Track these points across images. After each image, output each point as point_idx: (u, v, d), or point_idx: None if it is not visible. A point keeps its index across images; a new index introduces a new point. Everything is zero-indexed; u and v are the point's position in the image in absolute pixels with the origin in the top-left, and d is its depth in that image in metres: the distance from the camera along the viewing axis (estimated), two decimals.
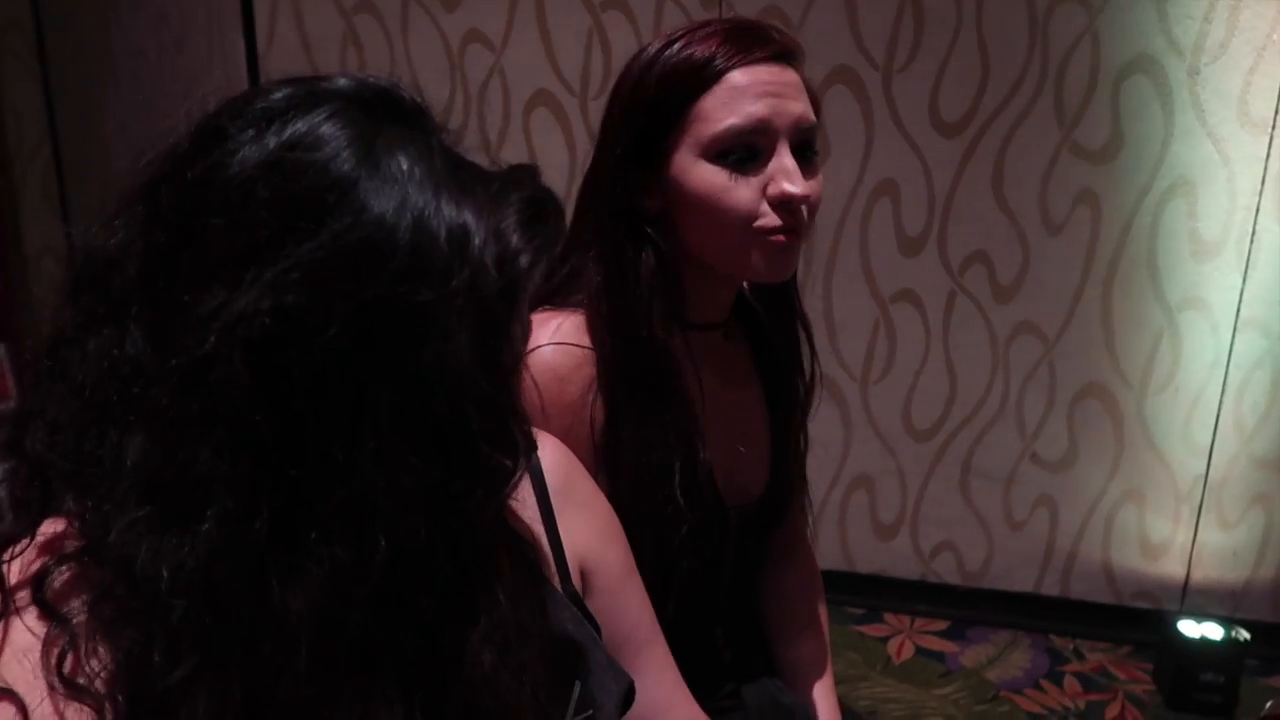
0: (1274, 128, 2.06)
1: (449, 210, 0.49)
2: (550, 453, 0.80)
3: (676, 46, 0.95)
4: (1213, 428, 2.24)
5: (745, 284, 1.12)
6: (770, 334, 1.13)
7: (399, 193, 0.48)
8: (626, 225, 0.97)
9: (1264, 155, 2.07)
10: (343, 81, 0.53)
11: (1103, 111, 2.12)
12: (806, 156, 0.95)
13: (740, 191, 0.93)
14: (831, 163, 2.25)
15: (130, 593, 0.49)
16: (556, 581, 0.76)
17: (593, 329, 0.97)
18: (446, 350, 0.47)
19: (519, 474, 0.52)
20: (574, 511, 0.79)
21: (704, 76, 0.93)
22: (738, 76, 0.92)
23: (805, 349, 1.13)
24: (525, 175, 0.54)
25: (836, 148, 2.25)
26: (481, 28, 2.33)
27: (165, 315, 0.49)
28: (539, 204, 0.52)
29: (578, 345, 0.96)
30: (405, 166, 0.49)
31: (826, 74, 2.21)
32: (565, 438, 0.83)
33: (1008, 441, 2.37)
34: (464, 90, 2.37)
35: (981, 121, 2.18)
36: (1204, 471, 2.27)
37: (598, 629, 0.76)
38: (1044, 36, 2.11)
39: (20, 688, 0.50)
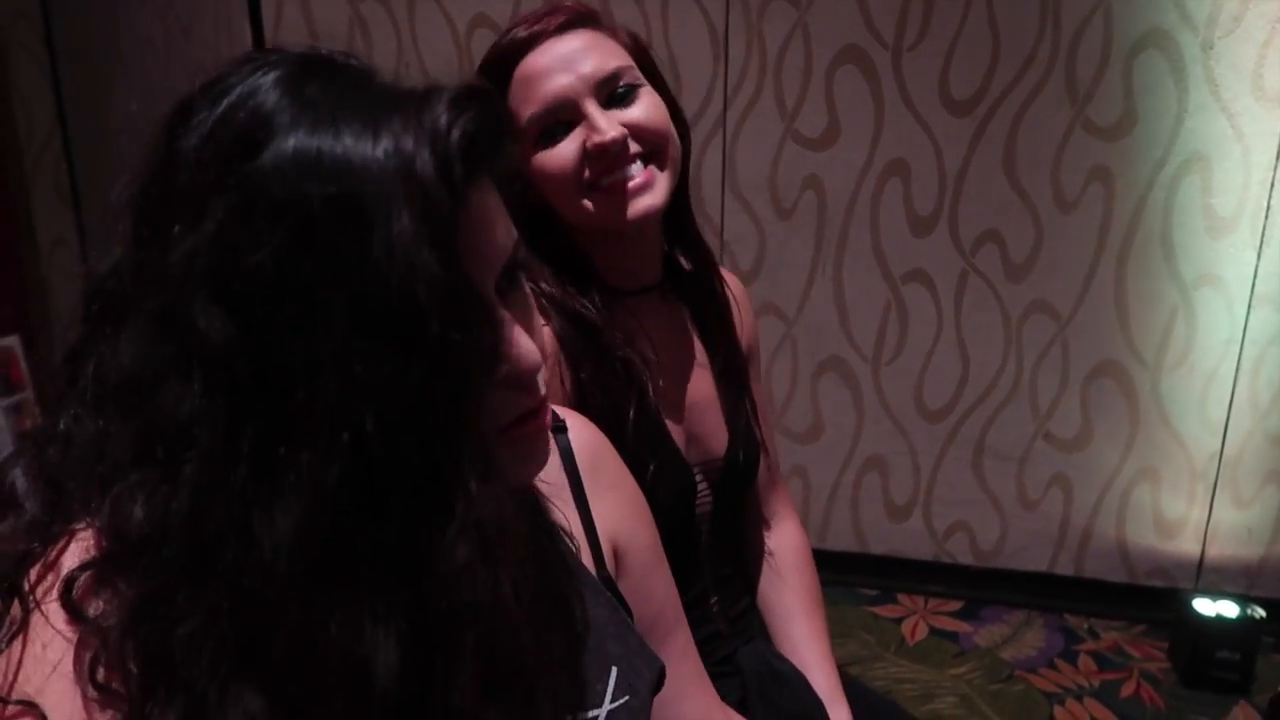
0: None
1: (380, 119, 0.50)
2: (578, 430, 0.80)
3: (485, 62, 1.03)
4: (1228, 405, 2.23)
5: (665, 244, 1.14)
6: (701, 288, 1.16)
7: (326, 117, 0.50)
8: (524, 213, 1.00)
9: (1279, 130, 2.05)
10: (289, 49, 0.55)
11: (1115, 87, 2.11)
12: (622, 97, 1.01)
13: (563, 156, 0.99)
14: (841, 142, 2.24)
15: (128, 553, 0.51)
16: (592, 566, 0.76)
17: (539, 306, 1.00)
18: (389, 236, 0.48)
19: (485, 354, 0.53)
20: (605, 491, 0.79)
21: (502, 71, 1.01)
22: (525, 66, 1.00)
23: (734, 288, 1.18)
24: (448, 84, 0.55)
25: (846, 127, 2.24)
26: (489, 12, 2.32)
27: (146, 290, 0.52)
28: (464, 88, 0.53)
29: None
30: (333, 98, 0.51)
31: (836, 53, 2.19)
32: None
33: (1021, 421, 2.36)
34: (470, 73, 2.36)
35: (993, 99, 2.17)
36: (1219, 449, 2.26)
37: (629, 613, 0.77)
38: (1055, 12, 2.09)
39: (49, 698, 0.51)
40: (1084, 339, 2.28)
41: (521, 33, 1.01)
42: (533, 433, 0.60)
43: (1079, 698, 2.11)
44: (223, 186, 0.49)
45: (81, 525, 0.55)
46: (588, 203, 1.00)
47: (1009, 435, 2.38)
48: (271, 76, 0.52)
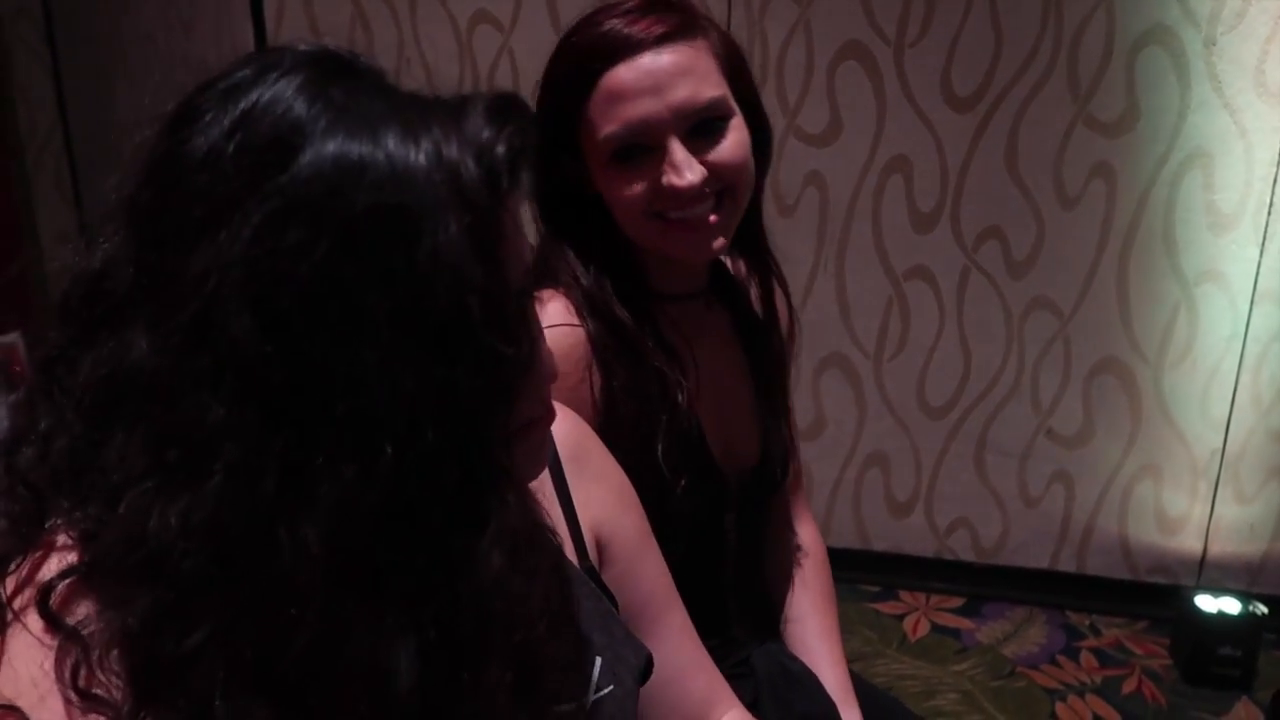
0: None
1: (416, 126, 0.50)
2: (560, 422, 0.80)
3: (568, 44, 0.96)
4: (1230, 401, 2.23)
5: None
6: (745, 295, 1.15)
7: (362, 123, 0.50)
8: (574, 207, 1.00)
9: None
10: (298, 48, 0.54)
11: (1118, 84, 2.10)
12: (707, 130, 0.95)
13: (635, 187, 0.95)
14: (843, 139, 2.24)
15: (141, 560, 0.49)
16: (574, 557, 0.76)
17: (576, 306, 0.99)
18: (438, 245, 0.48)
19: (524, 365, 0.53)
20: (588, 481, 0.80)
21: (583, 81, 0.93)
22: (613, 78, 0.92)
23: (780, 295, 1.15)
24: (481, 93, 0.55)
25: (848, 124, 2.23)
26: (490, 8, 2.32)
27: (162, 295, 0.50)
28: (500, 100, 0.53)
29: (568, 324, 0.98)
30: (363, 102, 0.51)
31: (837, 49, 2.19)
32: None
33: (1023, 417, 2.36)
34: (473, 72, 2.36)
35: (995, 95, 2.16)
36: (1221, 445, 2.26)
37: (614, 603, 0.77)
38: (1058, 8, 2.09)
39: (27, 703, 0.50)
40: (1086, 336, 2.27)
41: (615, 32, 0.93)
42: (540, 436, 0.60)
43: (1081, 694, 2.11)
44: (257, 192, 0.48)
45: (61, 534, 0.54)
46: (651, 229, 0.97)
47: (1011, 432, 2.38)
48: (294, 81, 0.51)
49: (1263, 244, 2.12)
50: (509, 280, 0.52)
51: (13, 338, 2.59)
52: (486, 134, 0.51)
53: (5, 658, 0.52)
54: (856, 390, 2.41)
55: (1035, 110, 2.15)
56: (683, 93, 0.92)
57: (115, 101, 2.75)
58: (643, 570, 0.83)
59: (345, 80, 0.52)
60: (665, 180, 0.93)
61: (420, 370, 0.48)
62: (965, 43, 2.14)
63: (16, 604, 0.52)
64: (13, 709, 0.50)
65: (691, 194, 0.93)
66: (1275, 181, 2.08)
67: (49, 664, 0.51)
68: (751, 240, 1.10)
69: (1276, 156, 2.07)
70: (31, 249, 2.83)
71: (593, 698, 0.69)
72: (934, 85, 2.18)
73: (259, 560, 0.48)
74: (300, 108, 0.50)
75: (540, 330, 0.59)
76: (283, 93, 0.50)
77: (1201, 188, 2.12)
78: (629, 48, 0.92)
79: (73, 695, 0.50)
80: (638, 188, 0.94)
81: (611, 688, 0.70)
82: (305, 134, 0.49)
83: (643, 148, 0.94)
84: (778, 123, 2.25)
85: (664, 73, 0.92)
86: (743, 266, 1.16)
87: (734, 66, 0.98)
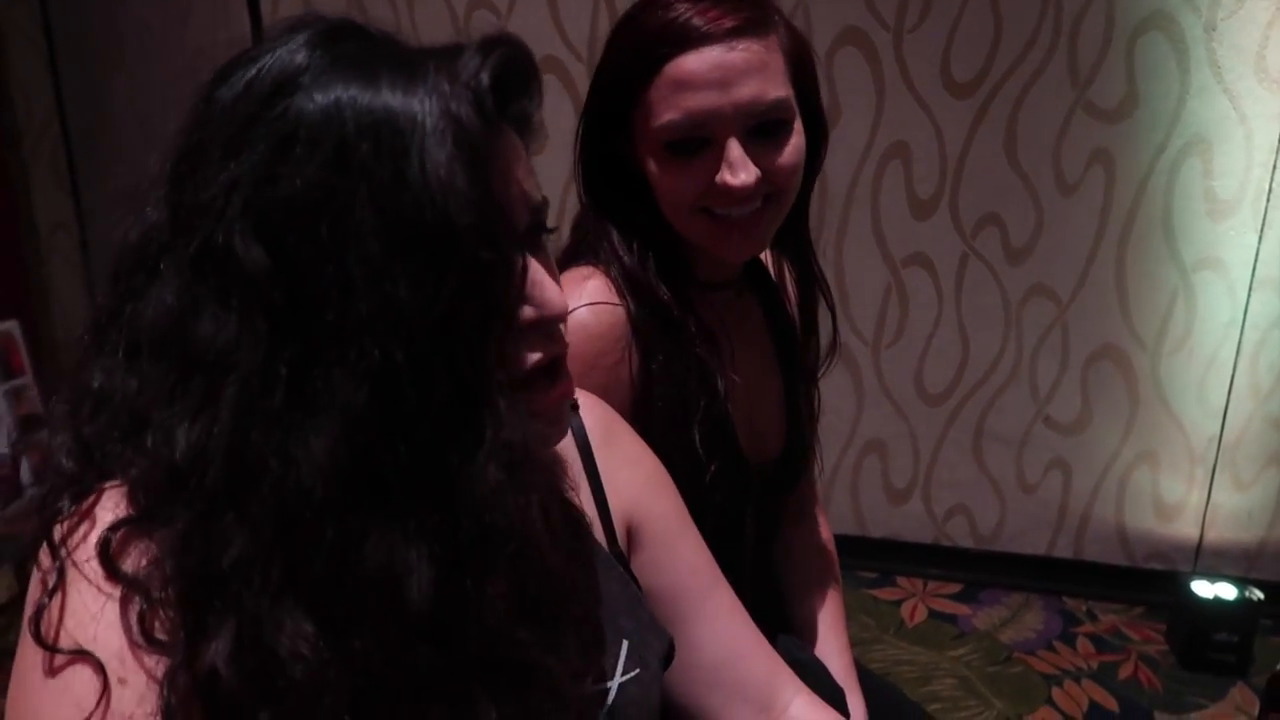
0: None
1: (414, 67, 0.53)
2: (590, 409, 0.81)
3: (634, 22, 0.93)
4: (1227, 388, 2.23)
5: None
6: (782, 294, 1.14)
7: (358, 65, 0.53)
8: (620, 185, 0.98)
9: None
10: (325, 16, 0.58)
11: (1117, 70, 2.10)
12: (769, 132, 0.92)
13: (687, 180, 0.93)
14: (842, 125, 2.23)
15: (172, 482, 0.52)
16: (604, 542, 0.77)
17: (616, 284, 0.98)
18: (425, 159, 0.50)
19: (515, 282, 0.54)
20: (618, 466, 0.80)
21: (648, 64, 0.90)
22: (680, 66, 0.89)
23: (824, 309, 1.15)
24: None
25: (847, 110, 2.23)
26: None
27: (182, 230, 0.53)
28: (489, 36, 0.56)
29: (608, 303, 0.97)
30: (364, 52, 0.54)
31: (836, 35, 2.18)
32: (605, 395, 0.85)
33: (1021, 404, 2.36)
34: None
35: (994, 82, 2.16)
36: (1218, 432, 2.26)
37: (640, 589, 0.77)
38: None
39: (100, 649, 0.52)
40: (1084, 322, 2.28)
41: (686, 19, 0.89)
42: (555, 400, 0.61)
43: (1077, 679, 2.12)
44: (261, 120, 0.51)
45: (112, 482, 0.56)
46: (696, 224, 0.95)
47: (1009, 419, 2.38)
48: (303, 36, 0.54)
49: (1261, 231, 2.12)
50: (499, 199, 0.54)
51: (10, 326, 2.59)
52: (474, 63, 0.54)
53: (69, 608, 0.53)
54: (855, 377, 2.41)
55: (1034, 97, 2.15)
56: (749, 90, 0.90)
57: (112, 91, 2.74)
58: (680, 554, 0.82)
59: (354, 39, 0.55)
60: (719, 178, 0.91)
61: (407, 279, 0.50)
62: (965, 29, 2.14)
63: (75, 550, 0.54)
64: (85, 654, 0.52)
65: (744, 194, 0.92)
66: (1274, 168, 2.08)
67: (111, 606, 0.53)
68: (796, 244, 1.09)
69: (1276, 143, 2.06)
70: (28, 237, 2.83)
71: (619, 681, 0.69)
72: (933, 71, 2.18)
73: (277, 472, 0.50)
74: (302, 57, 0.53)
75: (551, 272, 0.60)
76: (294, 46, 0.54)
77: (1200, 174, 2.12)
78: (699, 37, 0.88)
79: (139, 639, 0.52)
80: (689, 181, 0.93)
81: (637, 671, 0.71)
82: (307, 72, 0.52)
83: (699, 140, 0.91)
84: None
85: (733, 68, 0.89)
86: (783, 265, 1.15)
87: (800, 66, 0.95)
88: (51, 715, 0.52)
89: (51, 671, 0.52)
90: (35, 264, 2.85)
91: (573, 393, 0.63)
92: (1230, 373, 2.22)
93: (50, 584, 0.54)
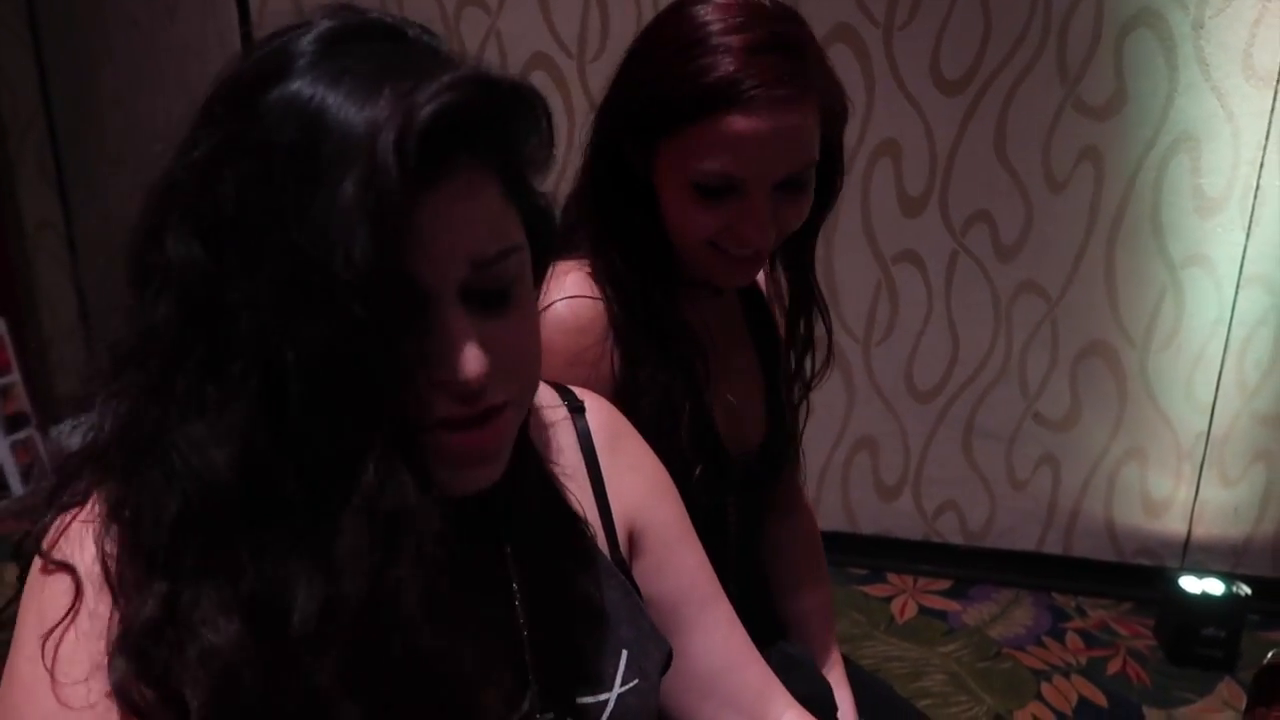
0: (1278, 82, 2.04)
1: (384, 84, 0.50)
2: (596, 412, 0.80)
3: (699, 49, 0.90)
4: (1215, 385, 2.24)
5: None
6: (759, 289, 1.14)
7: (336, 66, 0.51)
8: (618, 181, 0.99)
9: (1269, 109, 2.06)
10: (359, 8, 0.56)
11: (1106, 67, 2.10)
12: (791, 186, 0.94)
13: (705, 217, 0.93)
14: None
15: (99, 454, 0.56)
16: (605, 549, 0.75)
17: (597, 278, 0.98)
18: (332, 195, 0.48)
19: (401, 352, 0.51)
20: (623, 472, 0.79)
21: (704, 105, 0.89)
22: (733, 122, 0.89)
23: (818, 318, 1.15)
24: (478, 63, 0.55)
25: None
26: None
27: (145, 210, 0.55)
28: (471, 73, 0.52)
29: (589, 296, 0.97)
30: (352, 61, 0.52)
31: (827, 32, 2.18)
32: (587, 389, 0.84)
33: (1010, 401, 2.37)
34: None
35: (984, 79, 2.16)
36: (1206, 428, 2.28)
37: (640, 596, 0.76)
38: None
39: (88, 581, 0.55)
40: (1073, 319, 2.28)
41: (740, 77, 0.88)
42: (469, 445, 0.57)
43: (1066, 675, 2.13)
44: (218, 119, 0.52)
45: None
46: (700, 254, 0.97)
47: (998, 415, 2.39)
48: (319, 29, 0.53)
49: (1249, 228, 2.13)
50: (398, 255, 0.50)
51: None
52: (423, 97, 0.49)
53: (71, 527, 0.57)
54: (845, 374, 2.42)
55: (1024, 94, 2.15)
56: (788, 160, 0.92)
57: (99, 87, 2.72)
58: (682, 562, 0.81)
59: (368, 34, 0.54)
60: (742, 228, 0.93)
61: (287, 312, 0.49)
62: (954, 26, 2.14)
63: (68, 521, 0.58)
64: (67, 566, 0.56)
65: (752, 247, 0.94)
66: (1262, 165, 2.09)
67: (101, 541, 0.55)
68: (799, 263, 1.10)
69: (1263, 140, 2.07)
70: (14, 234, 2.81)
71: (618, 692, 0.68)
72: (923, 68, 2.18)
73: (180, 457, 0.51)
74: (298, 47, 0.52)
75: (454, 331, 0.54)
76: (302, 37, 0.53)
77: (1189, 171, 2.13)
78: (754, 103, 0.89)
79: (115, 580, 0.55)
80: (708, 220, 0.94)
81: (636, 681, 0.70)
82: (288, 70, 0.51)
83: (727, 189, 0.92)
84: None
85: (780, 136, 0.90)
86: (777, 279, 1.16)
87: (831, 119, 0.97)
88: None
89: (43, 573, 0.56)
90: (22, 262, 2.83)
91: (497, 442, 0.59)
92: (1218, 369, 2.23)
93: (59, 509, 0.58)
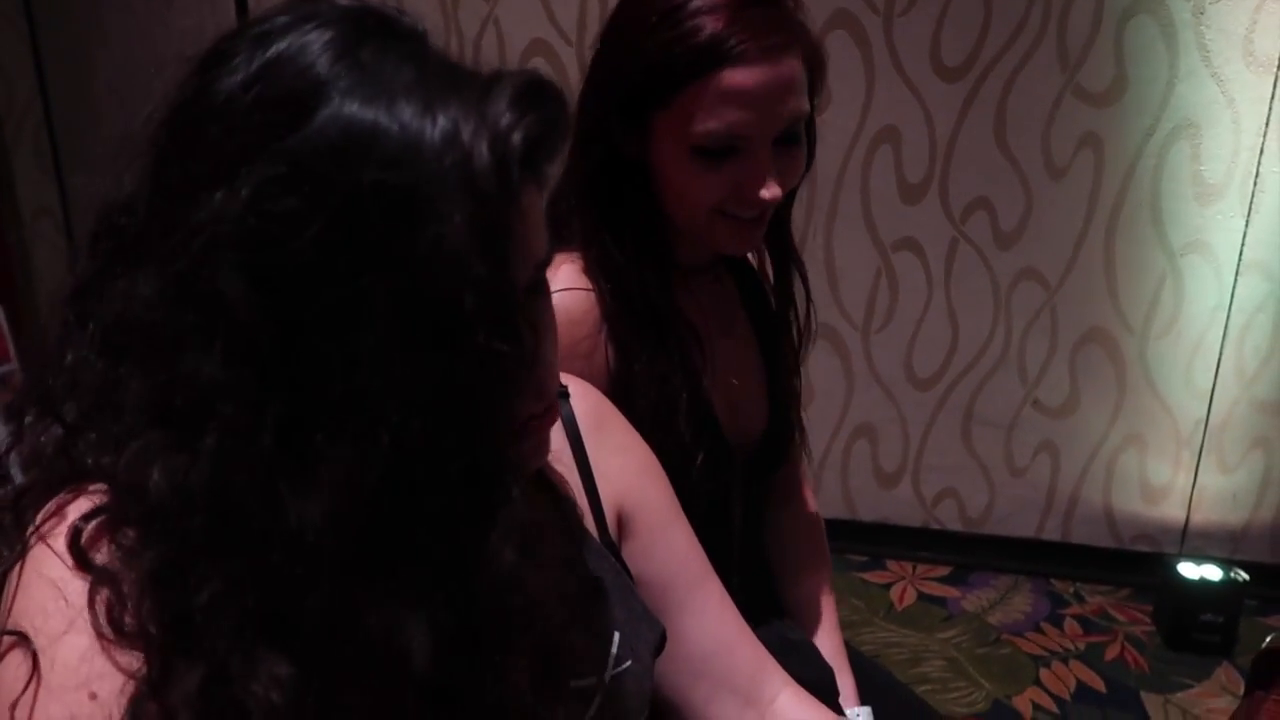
0: (1279, 67, 2.03)
1: (437, 101, 0.48)
2: (580, 396, 0.80)
3: (681, 13, 0.91)
4: (1214, 371, 2.25)
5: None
6: (754, 270, 1.14)
7: (383, 89, 0.48)
8: (609, 168, 0.98)
9: (1269, 95, 2.05)
10: (339, 2, 0.53)
11: (1106, 53, 2.10)
12: (789, 140, 0.95)
13: (710, 182, 0.94)
14: (831, 110, 2.22)
15: (145, 517, 0.50)
16: (594, 531, 0.76)
17: (589, 270, 0.98)
18: (440, 233, 0.46)
19: (523, 363, 0.51)
20: (609, 454, 0.79)
21: (697, 66, 0.90)
22: (730, 76, 0.89)
23: (800, 291, 1.15)
24: (517, 70, 0.53)
25: (836, 95, 2.22)
26: None
27: (166, 242, 0.50)
28: (530, 85, 0.51)
29: (582, 288, 0.97)
30: (390, 67, 0.49)
31: (826, 19, 2.17)
32: (578, 378, 0.84)
33: (1009, 388, 2.37)
34: (458, 41, 2.33)
35: (983, 66, 2.16)
36: (1205, 415, 2.28)
37: (631, 578, 0.77)
38: None
39: (48, 634, 0.50)
40: (1072, 306, 2.28)
41: (734, 33, 0.89)
42: (544, 426, 0.59)
43: (1064, 660, 2.14)
44: (264, 150, 0.47)
45: (94, 480, 0.54)
46: (706, 223, 0.97)
47: (997, 402, 2.39)
48: (325, 36, 0.50)
49: (1249, 215, 2.13)
50: (513, 276, 0.50)
51: None
52: (506, 120, 0.48)
53: (23, 588, 0.52)
54: (844, 362, 2.42)
55: (1024, 80, 2.15)
56: (787, 109, 0.92)
57: (95, 73, 2.71)
58: (671, 543, 0.81)
59: (378, 40, 0.51)
60: (750, 188, 0.93)
61: (414, 359, 0.47)
62: (954, 12, 2.13)
63: (45, 536, 0.53)
64: (21, 636, 0.50)
65: (763, 205, 0.94)
66: (1262, 152, 2.09)
67: (77, 598, 0.51)
68: (776, 229, 1.09)
69: (1263, 127, 2.07)
70: (11, 222, 2.80)
71: (612, 672, 0.69)
72: (923, 55, 2.17)
73: (261, 523, 0.48)
74: (323, 65, 0.49)
75: (549, 325, 0.58)
76: (310, 45, 0.49)
77: (1189, 158, 2.12)
78: (748, 55, 0.89)
79: (107, 631, 0.50)
80: (713, 185, 0.94)
81: (630, 662, 0.70)
82: (323, 94, 0.48)
83: (728, 150, 0.93)
84: None
85: (777, 85, 0.91)
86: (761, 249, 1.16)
87: (815, 75, 0.98)
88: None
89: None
90: (19, 249, 2.82)
91: (557, 418, 0.61)
92: (1217, 356, 2.23)
93: (11, 561, 0.53)
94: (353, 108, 0.47)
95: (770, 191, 0.93)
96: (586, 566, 0.71)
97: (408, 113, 0.47)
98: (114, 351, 0.53)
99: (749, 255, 1.17)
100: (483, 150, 0.47)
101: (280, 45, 0.49)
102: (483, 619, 0.51)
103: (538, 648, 0.54)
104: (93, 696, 0.50)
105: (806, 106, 0.95)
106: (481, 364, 0.48)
